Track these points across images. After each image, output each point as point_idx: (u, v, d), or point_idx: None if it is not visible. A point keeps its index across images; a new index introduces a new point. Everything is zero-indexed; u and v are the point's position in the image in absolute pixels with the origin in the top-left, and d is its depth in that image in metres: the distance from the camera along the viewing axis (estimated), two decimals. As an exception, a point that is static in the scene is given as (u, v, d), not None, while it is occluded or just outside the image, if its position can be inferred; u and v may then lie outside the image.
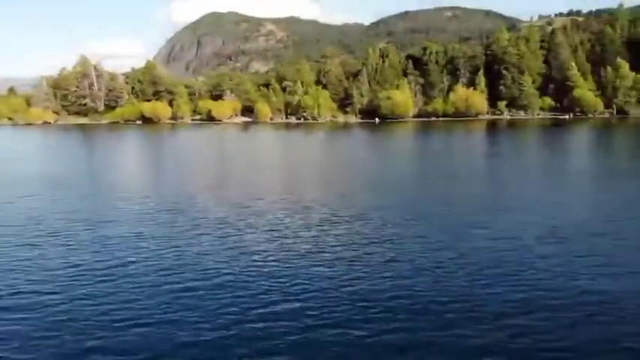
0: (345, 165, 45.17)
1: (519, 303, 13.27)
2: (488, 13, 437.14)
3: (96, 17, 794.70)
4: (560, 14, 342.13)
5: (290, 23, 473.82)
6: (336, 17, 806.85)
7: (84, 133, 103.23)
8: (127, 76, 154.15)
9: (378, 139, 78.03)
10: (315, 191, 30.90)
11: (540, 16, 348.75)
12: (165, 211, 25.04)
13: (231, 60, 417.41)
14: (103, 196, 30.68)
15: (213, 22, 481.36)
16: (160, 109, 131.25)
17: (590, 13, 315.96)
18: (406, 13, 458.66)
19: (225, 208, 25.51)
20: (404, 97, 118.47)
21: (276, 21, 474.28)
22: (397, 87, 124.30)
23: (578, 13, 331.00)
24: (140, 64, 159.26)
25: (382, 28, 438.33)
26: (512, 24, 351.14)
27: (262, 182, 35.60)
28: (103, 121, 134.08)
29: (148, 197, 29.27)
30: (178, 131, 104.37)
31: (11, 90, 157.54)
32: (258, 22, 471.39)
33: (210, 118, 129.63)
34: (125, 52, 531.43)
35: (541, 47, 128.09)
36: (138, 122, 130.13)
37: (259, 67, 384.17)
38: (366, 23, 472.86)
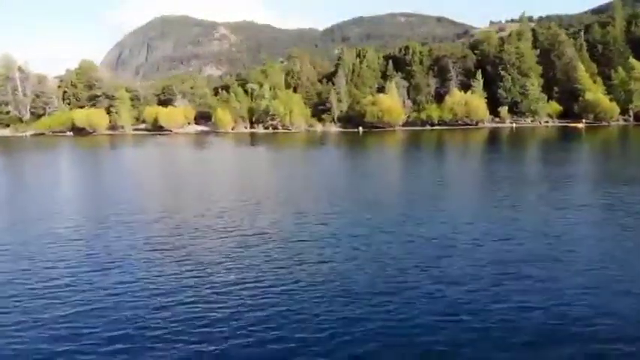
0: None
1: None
2: (440, 20, 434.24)
3: (40, 18, 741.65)
4: (512, 20, 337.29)
5: (244, 27, 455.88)
6: (290, 22, 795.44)
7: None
8: (61, 79, 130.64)
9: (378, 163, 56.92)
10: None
11: (491, 22, 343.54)
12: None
13: (183, 64, 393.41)
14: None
15: (164, 25, 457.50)
16: (95, 117, 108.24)
17: (540, 18, 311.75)
18: (361, 18, 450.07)
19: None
20: (393, 103, 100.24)
21: (229, 25, 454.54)
22: (379, 90, 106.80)
23: (530, 19, 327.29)
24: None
25: (337, 33, 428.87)
26: (464, 30, 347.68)
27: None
28: (28, 133, 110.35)
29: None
30: (116, 145, 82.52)
31: None
32: (211, 26, 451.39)
33: (157, 128, 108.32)
34: (72, 55, 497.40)
35: (534, 47, 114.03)
36: (68, 133, 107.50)
37: (213, 71, 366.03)
38: (321, 28, 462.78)
